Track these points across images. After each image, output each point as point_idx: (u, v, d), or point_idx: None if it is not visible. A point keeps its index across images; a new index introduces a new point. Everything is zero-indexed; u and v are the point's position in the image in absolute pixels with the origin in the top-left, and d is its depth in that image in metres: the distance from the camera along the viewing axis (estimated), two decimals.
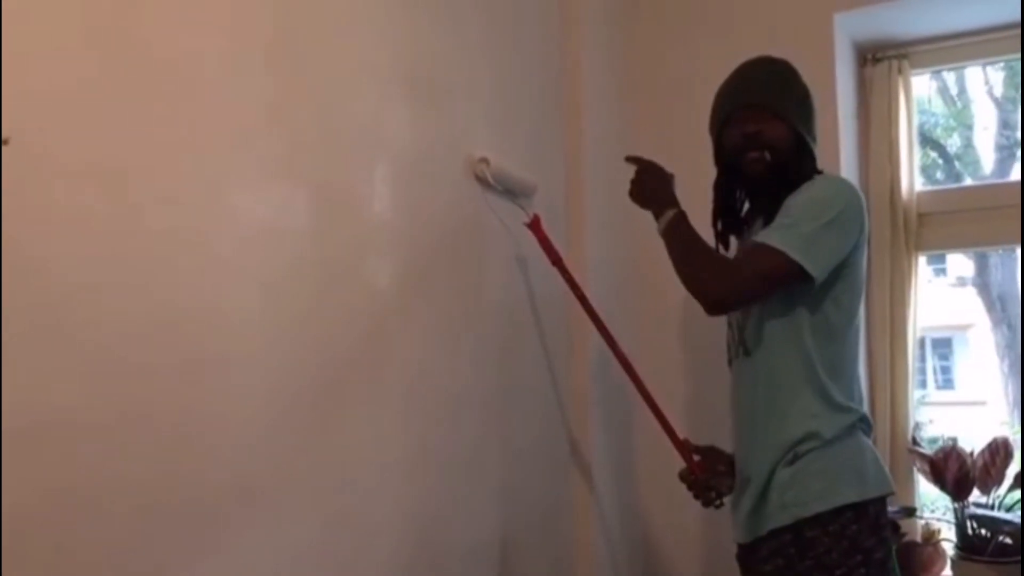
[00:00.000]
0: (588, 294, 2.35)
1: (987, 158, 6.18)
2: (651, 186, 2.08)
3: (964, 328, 8.04)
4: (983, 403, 7.40)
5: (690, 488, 2.17)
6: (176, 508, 1.44)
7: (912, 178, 2.84)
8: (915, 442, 2.73)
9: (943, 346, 8.69)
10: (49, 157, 1.28)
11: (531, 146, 2.55)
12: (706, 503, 2.15)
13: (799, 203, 1.87)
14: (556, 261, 2.35)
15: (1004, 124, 6.14)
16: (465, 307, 2.23)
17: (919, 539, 2.65)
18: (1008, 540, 2.39)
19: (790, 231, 1.83)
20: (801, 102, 2.00)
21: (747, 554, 1.97)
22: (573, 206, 2.69)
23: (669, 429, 2.23)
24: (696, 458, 2.18)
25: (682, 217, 1.97)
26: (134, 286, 1.39)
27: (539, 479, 2.49)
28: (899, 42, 2.88)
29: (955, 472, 2.51)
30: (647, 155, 2.74)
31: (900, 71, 2.86)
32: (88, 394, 1.32)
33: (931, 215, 2.84)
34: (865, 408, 1.96)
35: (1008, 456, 2.51)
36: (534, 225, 2.35)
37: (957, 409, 7.66)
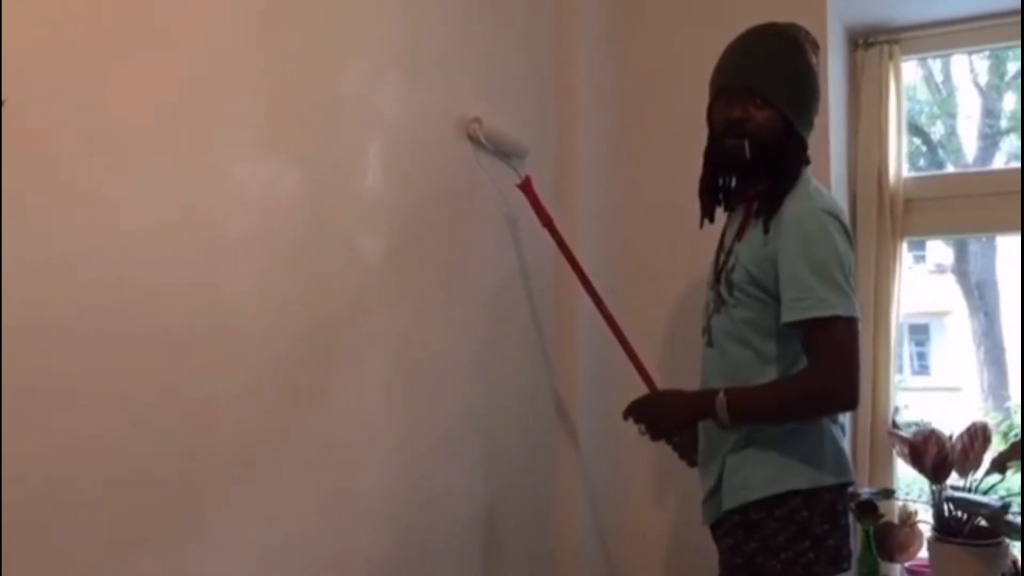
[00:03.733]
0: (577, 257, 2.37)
1: (970, 146, 6.22)
2: (669, 410, 1.99)
3: (942, 315, 8.13)
4: (958, 389, 7.49)
5: (674, 449, 2.20)
6: (172, 483, 1.45)
7: (900, 164, 2.86)
8: (895, 425, 2.77)
9: (920, 332, 8.79)
10: (45, 131, 1.28)
11: (523, 112, 2.56)
12: (690, 463, 2.17)
13: (801, 250, 1.80)
14: (547, 223, 2.36)
15: (988, 112, 6.19)
16: (457, 276, 2.24)
17: (896, 520, 2.69)
18: (984, 523, 2.43)
19: (836, 292, 1.77)
20: (799, 85, 1.93)
21: (712, 534, 2.02)
22: (564, 172, 2.69)
23: (652, 387, 2.27)
24: None
25: (726, 398, 1.84)
26: (130, 259, 1.39)
27: (526, 450, 2.52)
28: (891, 27, 2.89)
29: (934, 455, 2.54)
30: (638, 132, 2.77)
31: (891, 56, 2.87)
32: (85, 367, 1.32)
33: (917, 201, 2.87)
34: None
35: (986, 441, 2.55)
36: (526, 186, 2.36)
37: (932, 395, 7.75)
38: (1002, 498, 2.46)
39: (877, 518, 2.59)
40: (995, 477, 2.51)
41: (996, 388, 6.85)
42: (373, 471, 1.92)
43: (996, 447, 2.59)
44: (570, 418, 2.66)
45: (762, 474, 1.87)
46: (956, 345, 7.90)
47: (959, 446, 2.56)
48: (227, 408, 1.55)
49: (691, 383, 2.04)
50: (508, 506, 2.41)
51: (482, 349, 2.33)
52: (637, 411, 2.00)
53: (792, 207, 1.86)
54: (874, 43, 2.90)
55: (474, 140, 2.27)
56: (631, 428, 2.43)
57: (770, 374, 1.87)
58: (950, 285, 7.02)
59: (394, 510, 1.97)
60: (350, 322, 1.87)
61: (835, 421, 1.93)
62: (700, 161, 2.06)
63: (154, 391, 1.42)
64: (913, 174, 3.03)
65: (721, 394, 1.84)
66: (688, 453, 2.17)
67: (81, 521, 1.30)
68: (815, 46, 1.99)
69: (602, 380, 2.75)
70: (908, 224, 2.86)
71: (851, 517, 2.15)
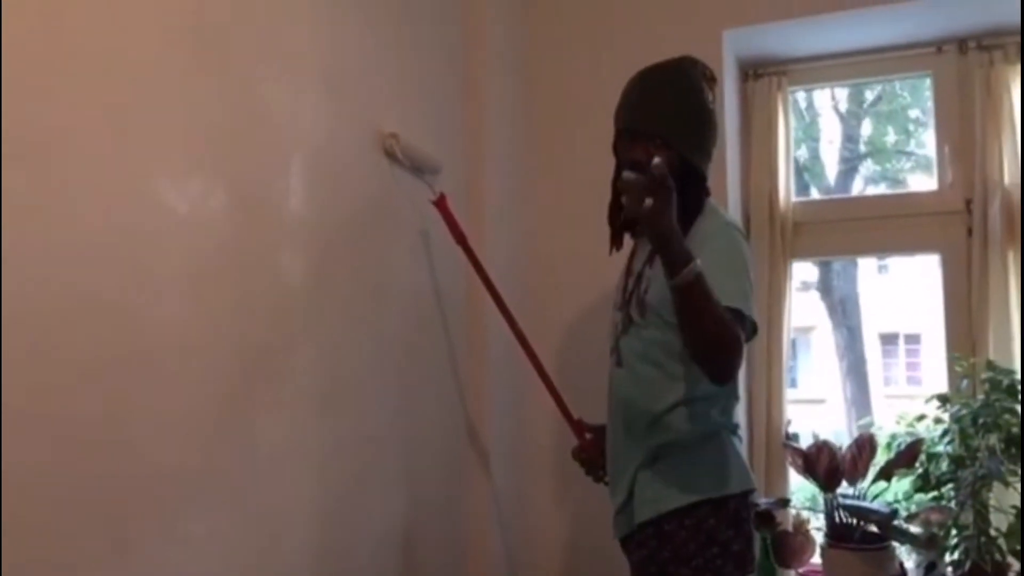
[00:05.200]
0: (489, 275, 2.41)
1: (832, 170, 6.56)
2: (661, 211, 1.72)
3: (807, 331, 8.51)
4: (822, 401, 7.86)
5: (581, 465, 2.28)
6: (94, 502, 1.43)
7: (789, 189, 3.02)
8: (788, 437, 2.90)
9: None
10: None
11: (435, 129, 2.61)
12: (596, 479, 2.26)
13: (721, 261, 1.86)
14: (460, 239, 2.39)
15: (848, 138, 6.55)
16: (375, 294, 2.26)
17: (791, 528, 2.81)
18: (873, 528, 2.57)
19: (748, 297, 1.88)
20: (693, 123, 2.00)
21: (624, 546, 2.09)
22: (473, 189, 2.75)
23: (564, 408, 2.33)
24: (588, 436, 2.29)
25: (695, 273, 1.74)
26: (55, 278, 1.38)
27: (439, 466, 2.55)
28: (779, 60, 3.05)
29: (826, 465, 2.68)
30: (546, 150, 2.82)
31: (779, 87, 3.03)
32: (8, 384, 1.28)
33: (805, 224, 3.02)
34: (736, 415, 2.05)
35: (872, 451, 2.70)
36: (440, 203, 2.38)
37: (799, 406, 8.09)
38: (888, 504, 2.62)
39: (774, 526, 2.71)
40: (880, 485, 2.66)
41: (858, 399, 7.23)
42: (294, 485, 1.92)
43: (881, 456, 2.74)
44: (480, 434, 2.70)
45: (674, 485, 1.95)
46: (820, 359, 8.30)
47: (848, 456, 2.70)
48: (149, 430, 1.54)
49: (599, 399, 2.11)
50: (423, 522, 2.44)
51: (399, 367, 2.35)
52: (644, 185, 1.73)
53: (703, 226, 1.96)
54: (763, 74, 3.06)
55: (390, 155, 2.30)
56: (538, 446, 2.50)
57: (678, 391, 1.95)
58: (815, 302, 7.34)
59: (314, 530, 1.97)
60: (271, 340, 1.88)
61: (734, 432, 2.03)
62: (606, 177, 2.08)
63: (76, 411, 1.40)
64: (802, 198, 3.20)
65: (696, 263, 1.73)
66: (594, 470, 2.25)
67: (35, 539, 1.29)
68: (712, 80, 2.06)
69: (512, 397, 2.82)
70: (797, 246, 3.01)
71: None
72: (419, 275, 2.48)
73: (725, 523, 1.94)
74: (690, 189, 1.93)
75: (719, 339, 1.78)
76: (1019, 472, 2.41)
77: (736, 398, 2.04)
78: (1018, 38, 2.75)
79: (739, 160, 3.02)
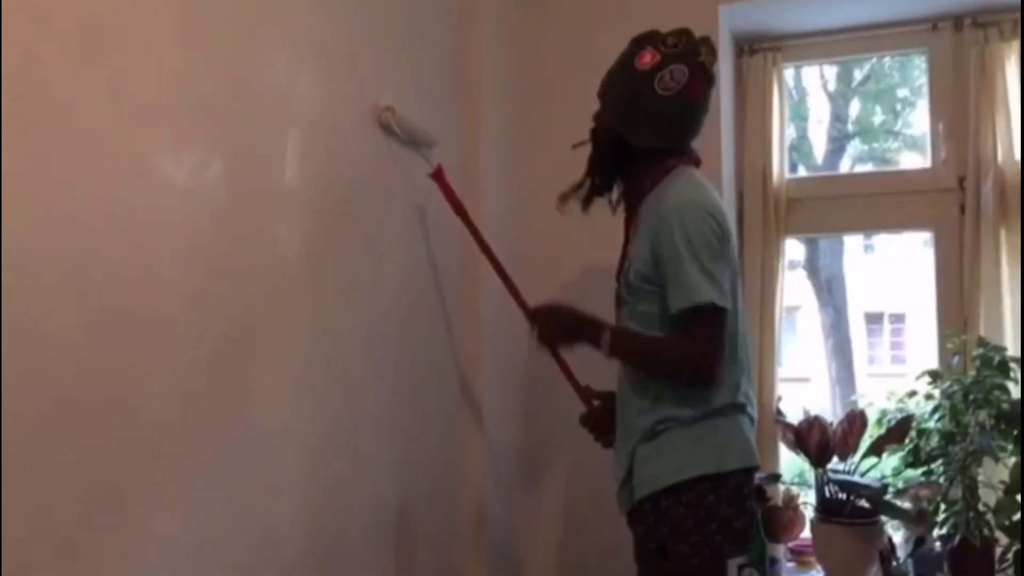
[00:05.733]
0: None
1: (819, 149, 6.56)
2: (564, 323, 2.14)
3: (792, 310, 8.54)
4: (807, 379, 7.89)
5: (590, 431, 2.28)
6: (94, 476, 1.43)
7: (783, 166, 3.02)
8: (779, 413, 2.92)
9: None
10: None
11: (431, 103, 2.59)
12: (605, 444, 2.24)
13: (681, 243, 1.90)
14: (459, 210, 2.37)
15: (836, 117, 6.55)
16: (370, 266, 2.25)
17: (781, 503, 2.83)
18: (863, 503, 2.59)
19: (703, 280, 1.88)
20: (614, 95, 2.09)
21: (628, 520, 2.10)
22: (469, 162, 2.73)
23: (570, 376, 2.32)
24: (596, 403, 2.27)
25: (616, 332, 2.04)
26: (53, 250, 1.37)
27: (435, 446, 2.54)
28: (774, 35, 3.04)
29: (817, 441, 2.69)
30: (542, 123, 2.79)
31: (774, 63, 3.03)
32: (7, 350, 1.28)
33: (798, 201, 3.02)
34: (747, 395, 2.03)
35: (863, 426, 2.72)
36: (438, 175, 2.37)
37: (784, 385, 8.14)
38: (879, 479, 2.64)
39: (766, 502, 2.72)
40: (871, 460, 2.68)
41: (843, 378, 7.26)
42: (288, 462, 1.91)
43: (871, 432, 2.76)
44: (477, 405, 2.70)
45: (671, 462, 1.95)
46: (805, 338, 8.33)
47: (839, 432, 2.71)
48: (146, 397, 1.54)
49: (599, 366, 2.11)
50: (417, 503, 2.43)
51: (394, 343, 2.34)
52: (536, 315, 2.19)
53: (665, 204, 1.98)
54: (758, 50, 3.05)
55: (386, 128, 2.28)
56: (540, 416, 2.49)
57: (656, 322, 1.98)
58: (801, 281, 7.35)
59: (307, 509, 1.97)
60: (267, 313, 1.87)
61: (744, 411, 2.02)
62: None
63: (74, 376, 1.40)
64: (794, 176, 3.20)
65: (608, 332, 2.02)
66: (603, 436, 2.24)
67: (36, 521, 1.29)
68: (709, 52, 2.04)
69: (510, 373, 2.81)
70: (790, 222, 3.01)
71: None
72: (415, 250, 2.47)
73: (726, 500, 1.94)
74: (622, 159, 2.10)
75: (673, 371, 1.98)
76: (1008, 448, 2.43)
77: (740, 376, 2.02)
78: (1015, 15, 2.74)
79: (733, 136, 3.01)
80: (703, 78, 2.01)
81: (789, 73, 3.22)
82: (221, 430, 1.71)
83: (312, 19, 2.05)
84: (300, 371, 1.97)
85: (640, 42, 2.05)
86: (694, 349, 1.91)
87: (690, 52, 2.01)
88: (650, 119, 2.03)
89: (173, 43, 1.63)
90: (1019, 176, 2.72)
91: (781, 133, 3.03)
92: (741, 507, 1.98)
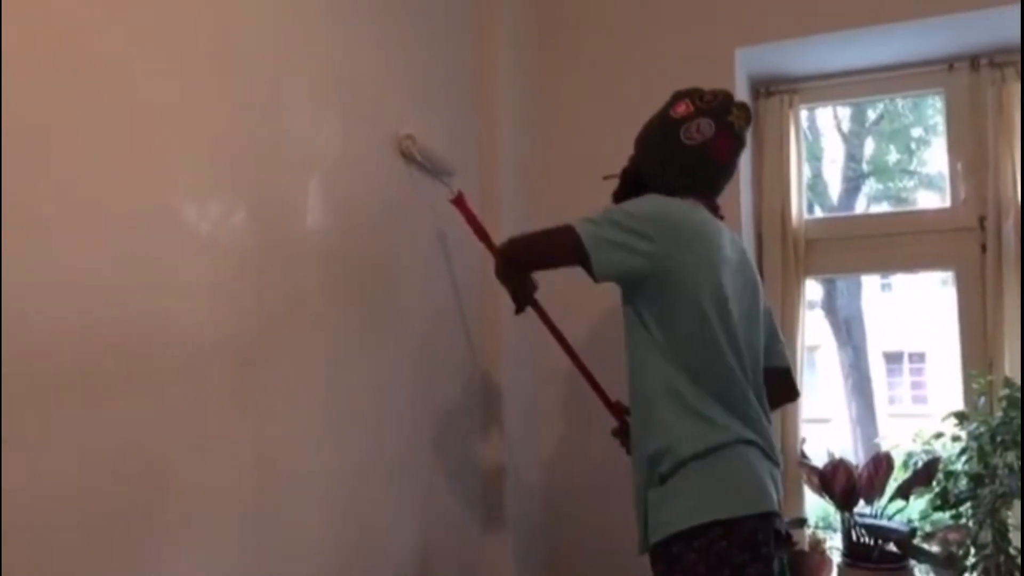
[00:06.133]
0: None
1: (835, 188, 6.57)
2: (498, 267, 2.21)
3: (812, 349, 8.50)
4: (827, 420, 7.82)
5: (622, 444, 2.32)
6: (130, 522, 1.44)
7: (801, 207, 3.02)
8: (803, 456, 2.89)
9: None
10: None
11: (449, 133, 2.62)
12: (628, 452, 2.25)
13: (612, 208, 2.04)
14: (482, 236, 2.35)
15: (851, 157, 6.57)
16: (394, 302, 2.29)
17: (807, 548, 2.79)
18: (892, 547, 2.55)
19: (594, 224, 1.96)
20: (648, 142, 2.17)
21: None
22: (487, 189, 2.76)
23: (601, 392, 2.35)
24: (627, 417, 2.25)
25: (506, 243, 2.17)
26: (81, 296, 1.39)
27: (457, 480, 2.54)
28: (791, 78, 3.06)
29: (843, 484, 2.66)
30: (560, 158, 2.79)
31: (791, 105, 3.04)
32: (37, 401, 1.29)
33: (817, 242, 3.02)
34: (756, 429, 1.98)
35: (889, 469, 2.69)
36: (459, 201, 2.37)
37: (804, 426, 8.08)
38: (907, 523, 2.60)
39: (791, 547, 2.68)
40: (898, 504, 2.64)
41: (864, 418, 7.20)
42: (313, 501, 1.91)
43: (897, 474, 2.73)
44: (496, 442, 2.70)
45: (682, 507, 1.91)
46: (825, 378, 8.28)
47: (865, 475, 2.68)
48: (177, 442, 1.55)
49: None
50: (440, 541, 2.43)
51: (417, 381, 2.35)
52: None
53: None
54: (775, 92, 3.06)
55: (407, 156, 2.31)
56: (572, 446, 2.47)
57: (674, 391, 1.94)
58: (819, 321, 7.33)
59: (326, 544, 1.96)
60: (289, 359, 1.87)
61: (754, 445, 1.96)
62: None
63: (111, 434, 1.41)
64: (813, 216, 3.20)
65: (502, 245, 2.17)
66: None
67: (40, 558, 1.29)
68: (741, 115, 2.10)
69: (534, 407, 2.83)
70: (810, 264, 3.01)
71: None
72: (438, 274, 2.50)
73: (738, 546, 1.88)
74: (640, 188, 2.14)
75: (550, 246, 2.05)
76: None
77: (745, 408, 1.98)
78: None
79: (751, 178, 3.02)
80: (729, 136, 2.08)
81: (803, 113, 3.25)
82: (238, 474, 1.70)
83: (334, 62, 2.08)
84: (323, 410, 1.97)
85: (680, 94, 2.14)
86: (559, 235, 1.99)
87: (722, 110, 2.08)
88: (669, 165, 2.09)
89: (196, 91, 1.65)
90: None
91: (799, 174, 3.04)
92: (756, 553, 1.92)
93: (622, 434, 2.32)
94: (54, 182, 1.35)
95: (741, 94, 2.93)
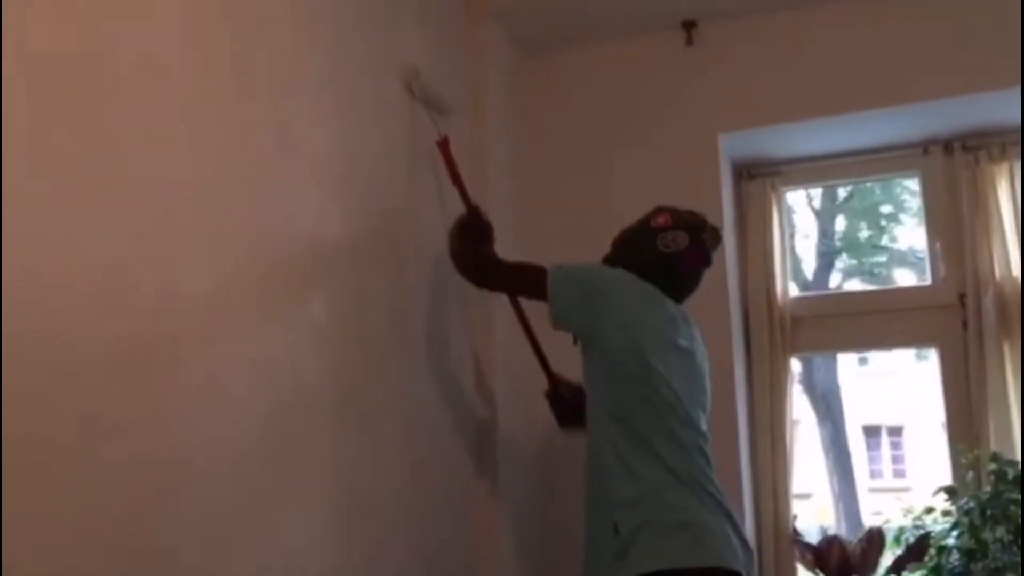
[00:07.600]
0: None
1: (808, 264, 6.66)
2: (453, 246, 2.40)
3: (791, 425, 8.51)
4: (808, 496, 7.81)
5: (551, 407, 2.60)
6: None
7: (786, 285, 3.08)
8: (796, 533, 2.90)
9: None
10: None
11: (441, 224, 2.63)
12: (560, 426, 2.59)
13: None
14: (457, 181, 2.47)
15: (823, 233, 6.68)
16: (390, 404, 2.29)
17: None
18: None
19: (564, 273, 2.22)
20: (625, 243, 2.37)
21: None
22: None
23: (542, 357, 2.58)
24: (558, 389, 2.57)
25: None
26: (97, 319, 1.44)
27: (452, 526, 2.54)
28: (772, 161, 3.16)
29: (837, 560, 2.67)
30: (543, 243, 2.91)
31: (773, 187, 3.13)
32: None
33: (803, 319, 3.08)
34: (694, 464, 2.09)
35: (882, 544, 2.70)
36: (443, 144, 2.47)
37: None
38: None
39: None
40: None
41: (845, 493, 7.20)
42: (311, 556, 1.92)
43: (888, 550, 2.75)
44: (488, 495, 2.70)
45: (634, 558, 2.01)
46: (804, 454, 8.29)
47: (859, 550, 2.70)
48: (190, 500, 1.58)
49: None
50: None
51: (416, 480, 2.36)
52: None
53: None
54: (757, 175, 3.15)
55: (408, 88, 2.46)
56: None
57: (621, 461, 2.09)
58: (798, 396, 7.35)
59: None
60: (294, 450, 1.91)
61: (727, 515, 2.08)
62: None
63: (114, 466, 1.44)
64: (800, 294, 3.27)
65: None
66: (560, 419, 2.59)
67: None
68: (712, 237, 2.34)
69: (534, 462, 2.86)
70: (796, 341, 3.06)
71: None
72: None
73: None
74: None
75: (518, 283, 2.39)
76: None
77: (684, 457, 2.09)
78: (1003, 138, 2.87)
79: (736, 259, 3.08)
80: (699, 252, 2.30)
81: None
82: (245, 547, 1.72)
83: (332, 151, 2.15)
84: (324, 509, 1.99)
85: (662, 208, 2.35)
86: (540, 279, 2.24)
87: (696, 229, 2.31)
88: (642, 266, 2.27)
89: (213, 197, 1.72)
90: (1019, 291, 2.79)
91: (783, 254, 3.11)
92: None
93: (552, 401, 2.58)
94: (90, 216, 1.39)
95: (724, 177, 3.02)
